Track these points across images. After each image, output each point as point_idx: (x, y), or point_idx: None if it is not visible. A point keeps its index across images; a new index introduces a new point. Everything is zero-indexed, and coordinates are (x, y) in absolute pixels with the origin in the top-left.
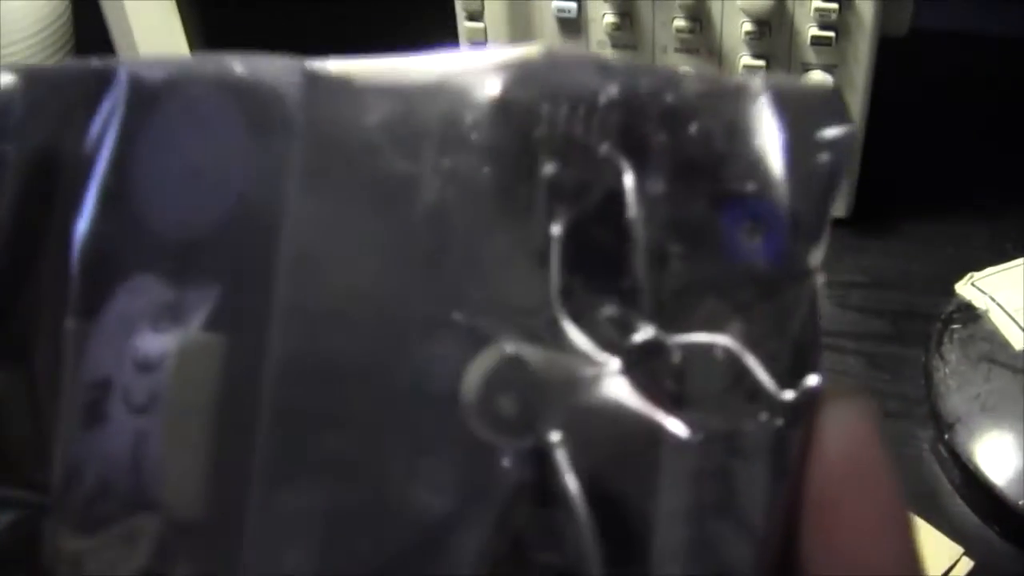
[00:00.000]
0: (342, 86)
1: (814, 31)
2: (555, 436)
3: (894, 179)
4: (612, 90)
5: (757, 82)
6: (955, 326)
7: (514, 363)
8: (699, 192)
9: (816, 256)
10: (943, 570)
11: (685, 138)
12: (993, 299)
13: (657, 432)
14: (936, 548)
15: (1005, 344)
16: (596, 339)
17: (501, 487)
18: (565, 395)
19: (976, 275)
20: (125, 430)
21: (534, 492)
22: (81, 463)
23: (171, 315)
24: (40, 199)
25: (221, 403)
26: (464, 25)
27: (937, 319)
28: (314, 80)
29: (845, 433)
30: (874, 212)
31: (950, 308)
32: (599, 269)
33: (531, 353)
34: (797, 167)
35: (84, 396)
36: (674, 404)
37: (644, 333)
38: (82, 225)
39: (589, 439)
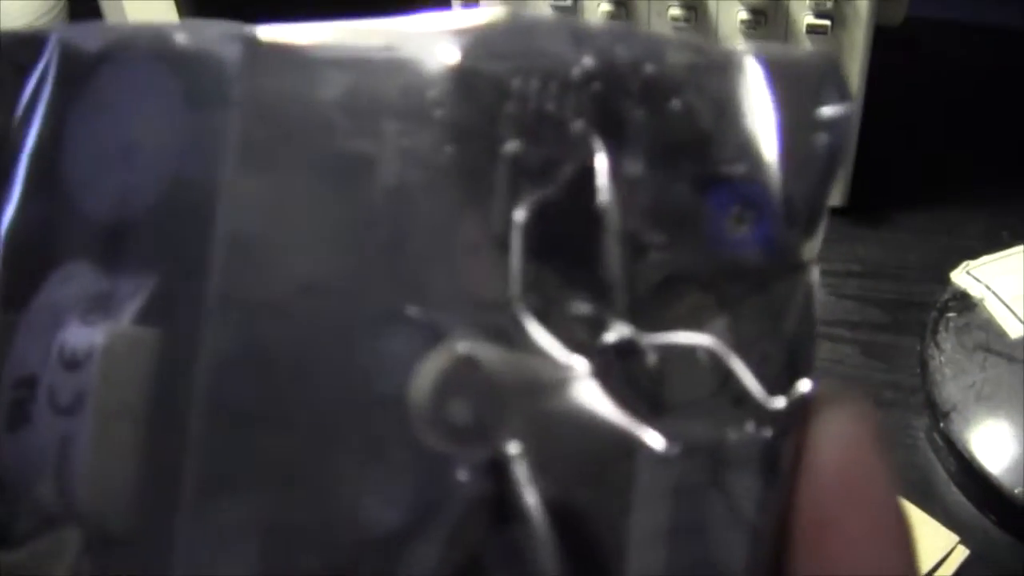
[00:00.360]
0: (289, 55)
1: (810, 20)
2: (513, 447)
3: (890, 168)
4: (587, 60)
5: (748, 52)
6: (951, 315)
7: (467, 364)
8: (682, 174)
9: (811, 247)
10: (939, 559)
11: (667, 114)
12: (989, 287)
13: (631, 443)
14: (932, 537)
15: (1001, 333)
16: (563, 338)
17: (456, 501)
18: (525, 401)
19: (972, 263)
20: (49, 433)
21: (491, 507)
22: (5, 470)
23: (102, 306)
24: None
25: (152, 404)
26: None
27: (933, 308)
28: (254, 47)
29: (839, 441)
30: (869, 201)
31: (946, 297)
32: (567, 259)
33: (487, 353)
34: (792, 148)
35: (7, 395)
36: (650, 412)
37: (617, 332)
38: (8, 207)
39: (553, 450)
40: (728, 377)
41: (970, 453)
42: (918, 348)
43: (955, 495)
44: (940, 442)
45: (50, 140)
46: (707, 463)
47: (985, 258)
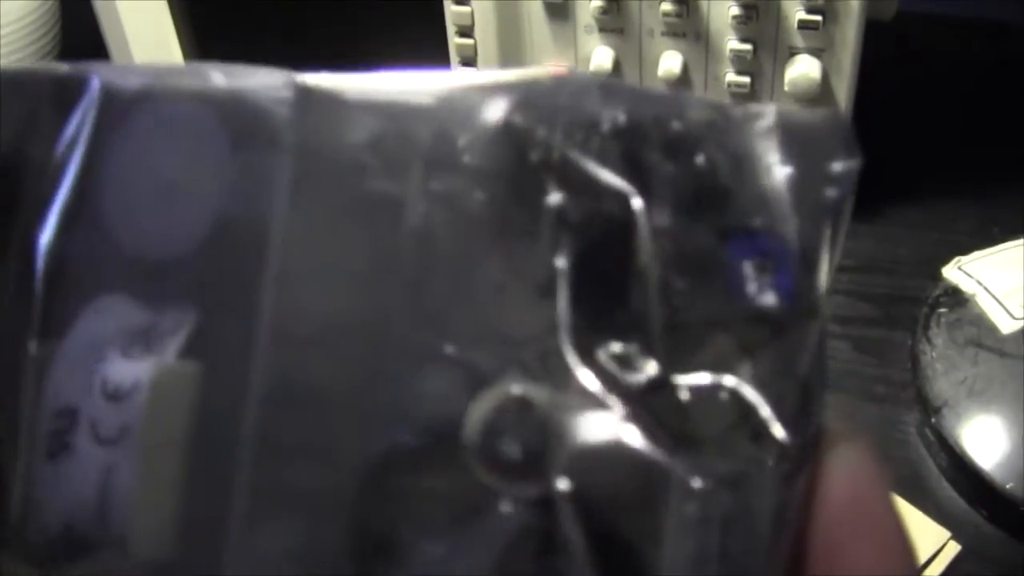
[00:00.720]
0: (333, 101)
1: (801, 15)
2: (562, 483)
3: (881, 163)
4: (619, 116)
5: (764, 111)
6: (942, 310)
7: (520, 404)
8: (705, 225)
9: (823, 294)
10: (930, 554)
11: (691, 169)
12: (980, 283)
13: (665, 477)
14: (923, 532)
15: (992, 328)
16: (601, 377)
17: (500, 533)
18: (570, 438)
19: (963, 259)
20: (92, 463)
21: (536, 539)
22: (42, 497)
23: (143, 340)
24: (1, 209)
25: (196, 436)
26: (451, 9)
27: (924, 303)
28: (306, 94)
29: (848, 474)
30: (861, 196)
31: (937, 292)
32: (604, 304)
33: (537, 393)
34: (805, 202)
35: (47, 426)
36: (679, 447)
37: (650, 371)
38: (47, 240)
39: (594, 485)
40: (748, 415)
41: (961, 448)
42: (909, 343)
43: (947, 490)
44: (931, 437)
45: (89, 176)
46: (729, 495)
47: (976, 253)
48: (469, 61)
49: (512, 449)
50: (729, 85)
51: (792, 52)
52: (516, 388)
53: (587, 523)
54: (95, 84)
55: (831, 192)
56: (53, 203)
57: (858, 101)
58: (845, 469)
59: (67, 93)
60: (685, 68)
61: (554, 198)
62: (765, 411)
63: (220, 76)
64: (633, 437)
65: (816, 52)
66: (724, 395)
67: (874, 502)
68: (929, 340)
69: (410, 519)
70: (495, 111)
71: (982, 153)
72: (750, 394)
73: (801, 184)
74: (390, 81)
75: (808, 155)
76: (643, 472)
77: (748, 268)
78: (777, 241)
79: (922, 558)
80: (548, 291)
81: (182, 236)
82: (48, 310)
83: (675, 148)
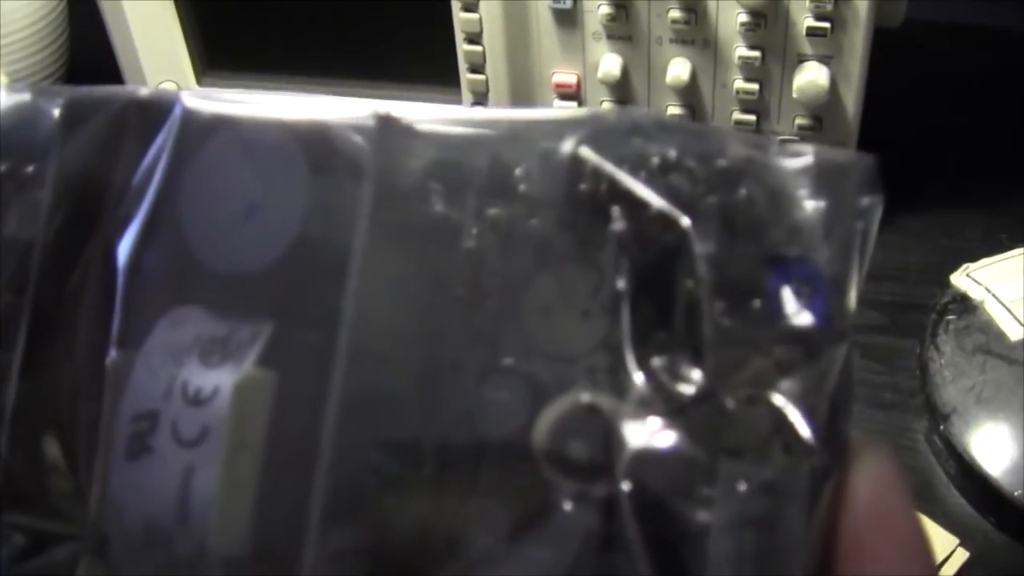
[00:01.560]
0: (408, 131)
1: (809, 22)
2: (624, 484)
3: (889, 170)
4: (670, 151)
5: (804, 152)
6: (950, 317)
7: (588, 411)
8: (746, 253)
9: (852, 316)
10: (939, 561)
11: (734, 201)
12: (988, 290)
13: (712, 480)
14: (931, 539)
15: (1000, 335)
16: (656, 388)
17: (566, 533)
18: (631, 443)
19: (971, 266)
20: (172, 464)
21: (599, 538)
22: (122, 497)
23: (221, 349)
24: (83, 223)
25: (275, 439)
26: (459, 16)
27: (932, 310)
28: (386, 125)
29: (872, 481)
30: None
31: (945, 299)
32: (657, 322)
33: (603, 402)
34: (836, 234)
35: (127, 428)
36: (726, 453)
37: (698, 383)
38: (127, 253)
39: (652, 485)
40: (783, 426)
41: (970, 456)
42: (918, 351)
43: (955, 497)
44: (940, 445)
45: (170, 195)
46: (766, 499)
47: (985, 260)
48: (477, 68)
49: (581, 452)
50: (737, 92)
51: (800, 59)
52: (585, 396)
53: (645, 522)
54: (178, 109)
55: (858, 225)
56: (134, 219)
57: (866, 108)
58: (869, 475)
59: (150, 116)
60: (693, 75)
61: (616, 226)
62: (799, 424)
63: (302, 105)
64: (685, 443)
65: (824, 59)
66: (763, 408)
67: (895, 505)
68: (937, 347)
69: (477, 521)
70: (563, 144)
71: (990, 160)
72: (786, 408)
73: (834, 219)
74: (462, 113)
75: (839, 191)
76: (693, 475)
77: (786, 293)
78: (812, 269)
79: None
80: (605, 309)
81: (260, 253)
82: (127, 319)
83: (720, 182)
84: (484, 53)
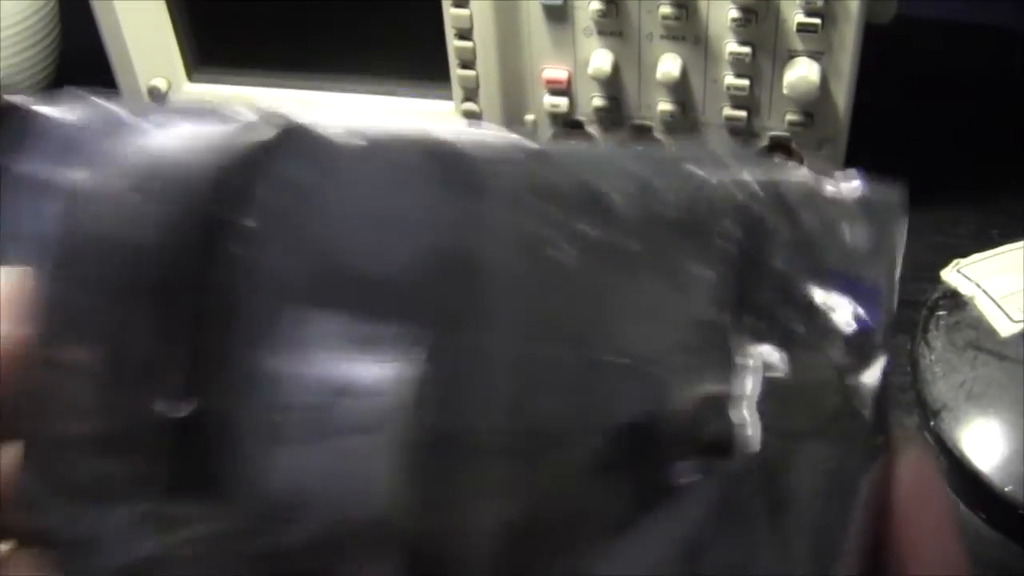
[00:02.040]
0: (546, 158)
1: (800, 18)
2: (747, 459)
3: (879, 166)
4: (747, 178)
5: (855, 185)
6: (941, 313)
7: (717, 399)
8: (810, 271)
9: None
10: None
11: (798, 225)
12: (979, 286)
13: (800, 453)
14: None
15: (991, 331)
16: (752, 375)
17: (690, 503)
18: (748, 424)
19: (962, 262)
20: (337, 449)
21: (714, 505)
22: (278, 481)
23: (369, 346)
24: (229, 236)
25: (432, 429)
26: (450, 12)
27: (923, 306)
28: (533, 155)
29: (914, 466)
30: None
31: (936, 295)
32: (749, 322)
33: (724, 389)
34: (880, 257)
35: (286, 417)
36: (809, 430)
37: (781, 371)
38: (275, 261)
39: (765, 460)
40: (848, 411)
41: (960, 451)
42: (908, 346)
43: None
44: (930, 440)
45: (315, 211)
46: (832, 475)
47: (975, 256)
48: (468, 63)
49: (717, 433)
50: (728, 88)
51: (791, 55)
52: (711, 387)
53: (764, 491)
54: (316, 134)
55: (896, 248)
56: (285, 233)
57: (857, 104)
58: (912, 460)
59: (292, 141)
60: (684, 71)
61: (721, 243)
62: (863, 410)
63: (444, 133)
64: (781, 420)
65: (815, 55)
66: (833, 396)
67: (934, 485)
68: (928, 343)
69: (614, 496)
70: (690, 174)
71: (981, 156)
72: (853, 398)
73: (877, 243)
74: (600, 147)
75: (882, 223)
76: (790, 450)
77: (844, 307)
78: (865, 285)
79: None
80: (712, 311)
81: (399, 259)
82: (272, 320)
83: (786, 208)
84: (475, 49)
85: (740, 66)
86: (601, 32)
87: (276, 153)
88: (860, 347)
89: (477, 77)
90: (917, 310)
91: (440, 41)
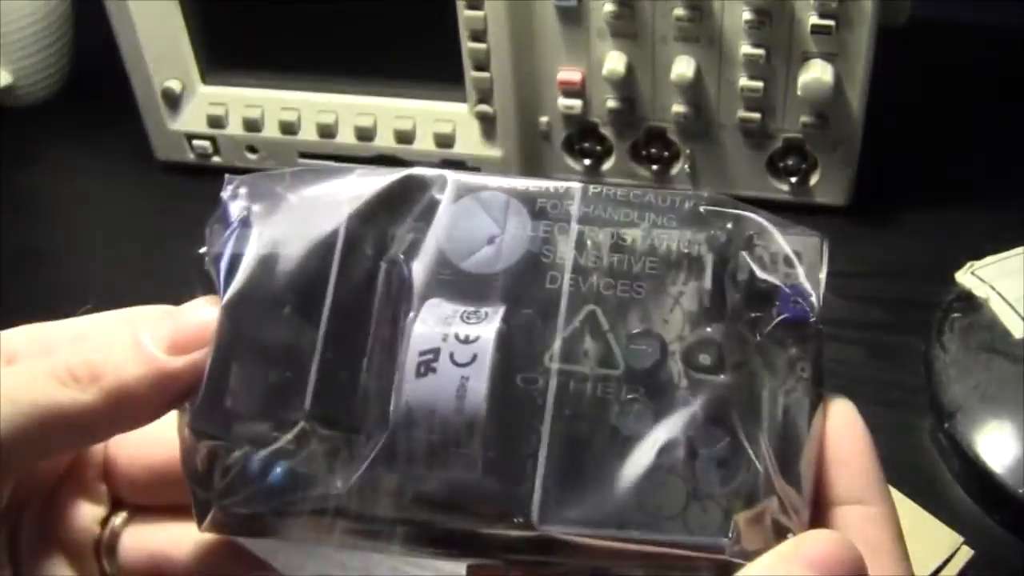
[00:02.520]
0: (603, 198)
1: (814, 20)
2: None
3: (893, 168)
4: (729, 223)
5: (791, 227)
6: (955, 315)
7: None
8: (763, 282)
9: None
10: (943, 559)
11: (753, 252)
12: (993, 288)
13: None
14: (936, 537)
15: (1005, 333)
16: (729, 350)
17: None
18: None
19: (976, 264)
20: (452, 377)
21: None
22: (415, 405)
23: (475, 316)
24: (379, 248)
25: (515, 375)
26: (464, 14)
27: (937, 308)
28: (586, 192)
29: (841, 410)
30: (874, 201)
31: (950, 297)
32: (721, 317)
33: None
34: (812, 272)
35: (415, 359)
36: (771, 378)
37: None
38: (417, 266)
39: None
40: (796, 368)
41: (975, 453)
42: (922, 348)
43: (959, 495)
44: (945, 442)
45: (439, 230)
46: (789, 412)
47: (989, 258)
48: (482, 65)
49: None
50: (742, 89)
51: (805, 57)
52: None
53: (742, 411)
54: (449, 181)
55: (824, 266)
56: (416, 243)
57: (871, 106)
58: (839, 408)
59: (422, 187)
60: (698, 73)
61: (740, 275)
62: (807, 374)
63: (524, 183)
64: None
65: (829, 57)
66: (784, 360)
67: (855, 425)
68: (942, 345)
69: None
70: (703, 225)
71: (995, 158)
72: (800, 363)
73: (809, 263)
74: (651, 193)
75: (812, 247)
76: (758, 390)
77: (790, 303)
78: (803, 290)
79: (935, 562)
80: (696, 316)
81: (498, 263)
82: (410, 299)
83: (748, 241)
84: (489, 51)
85: (754, 68)
86: (615, 34)
87: (416, 197)
88: (803, 331)
89: (491, 79)
90: (931, 312)
91: (454, 43)
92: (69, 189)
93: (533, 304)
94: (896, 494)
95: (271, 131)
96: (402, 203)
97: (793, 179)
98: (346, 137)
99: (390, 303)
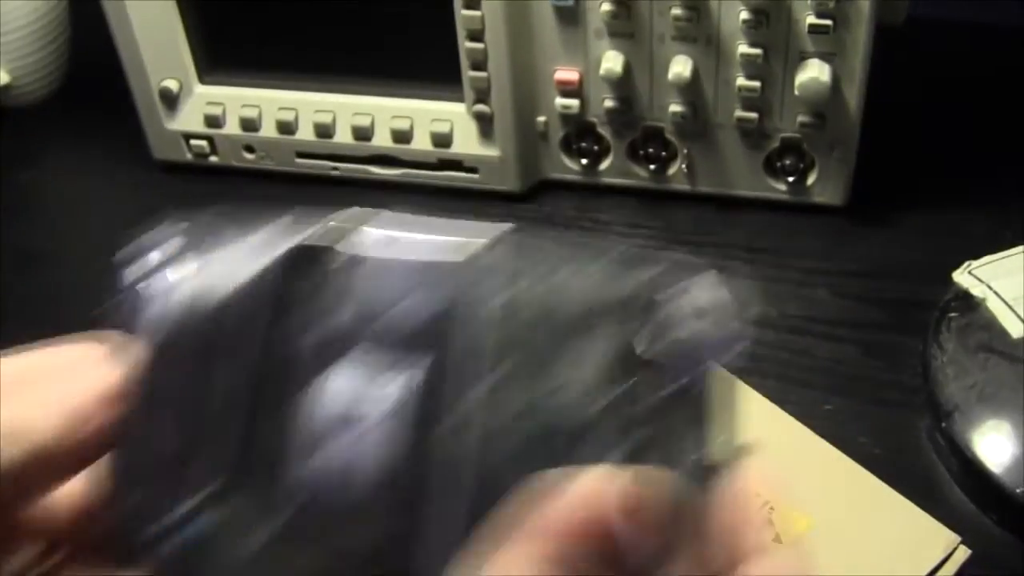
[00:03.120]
0: (531, 245)
1: (812, 19)
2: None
3: (891, 168)
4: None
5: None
6: (953, 315)
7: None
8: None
9: None
10: (940, 559)
11: (681, 310)
12: (990, 287)
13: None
14: (933, 537)
15: (1002, 332)
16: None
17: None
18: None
19: (974, 263)
20: (355, 441)
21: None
22: (317, 471)
23: (391, 368)
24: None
25: (425, 426)
26: (462, 14)
27: (935, 308)
28: (516, 242)
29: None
30: (871, 200)
31: (948, 297)
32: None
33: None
34: (722, 323)
35: (322, 423)
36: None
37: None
38: (337, 323)
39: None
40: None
41: (972, 453)
42: (920, 348)
43: (957, 495)
44: (942, 442)
45: (357, 290)
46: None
47: (987, 258)
48: (479, 65)
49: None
50: (739, 89)
51: (803, 56)
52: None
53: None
54: (351, 248)
55: (733, 319)
56: (340, 306)
57: (869, 106)
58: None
59: (326, 256)
60: (695, 72)
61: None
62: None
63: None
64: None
65: (827, 56)
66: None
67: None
68: (940, 345)
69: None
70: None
71: (993, 157)
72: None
73: (716, 322)
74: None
75: (724, 306)
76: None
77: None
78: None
79: (932, 562)
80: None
81: (420, 318)
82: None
83: (674, 299)
84: (486, 50)
85: (751, 67)
86: (612, 33)
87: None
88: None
89: (488, 79)
90: (928, 312)
91: (452, 43)
92: (66, 189)
93: (452, 357)
94: (893, 493)
95: (268, 131)
96: (314, 265)
97: (790, 179)
98: (343, 137)
99: (300, 364)
